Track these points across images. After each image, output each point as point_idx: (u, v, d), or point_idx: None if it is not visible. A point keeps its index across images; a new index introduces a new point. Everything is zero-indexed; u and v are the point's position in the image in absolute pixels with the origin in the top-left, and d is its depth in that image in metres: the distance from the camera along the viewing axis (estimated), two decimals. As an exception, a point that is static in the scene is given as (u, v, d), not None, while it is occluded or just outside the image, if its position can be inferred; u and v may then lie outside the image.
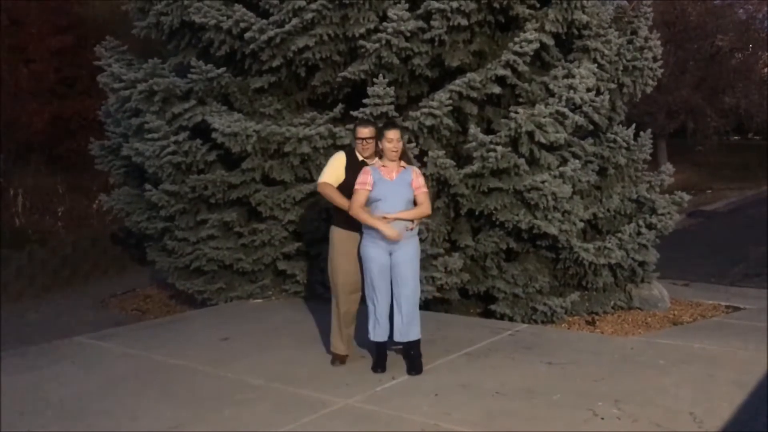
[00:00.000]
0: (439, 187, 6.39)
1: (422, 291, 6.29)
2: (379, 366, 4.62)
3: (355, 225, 4.64)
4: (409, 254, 4.56)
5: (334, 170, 4.81)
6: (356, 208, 4.52)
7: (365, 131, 4.81)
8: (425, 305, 6.47)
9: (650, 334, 6.17)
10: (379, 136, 4.66)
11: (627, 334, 6.25)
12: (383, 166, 4.58)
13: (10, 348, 5.86)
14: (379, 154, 4.65)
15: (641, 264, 6.94)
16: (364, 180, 4.53)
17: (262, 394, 4.24)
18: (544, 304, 6.38)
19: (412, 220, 4.53)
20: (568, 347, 5.09)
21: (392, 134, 4.56)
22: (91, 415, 3.99)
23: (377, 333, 4.61)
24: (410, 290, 4.55)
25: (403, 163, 4.63)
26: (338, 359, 4.84)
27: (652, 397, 4.01)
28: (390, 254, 4.54)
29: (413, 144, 6.16)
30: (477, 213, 6.34)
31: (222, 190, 6.79)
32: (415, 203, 4.58)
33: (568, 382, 4.30)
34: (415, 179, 4.58)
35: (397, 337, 4.59)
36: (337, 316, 4.82)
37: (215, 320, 6.37)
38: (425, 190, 4.64)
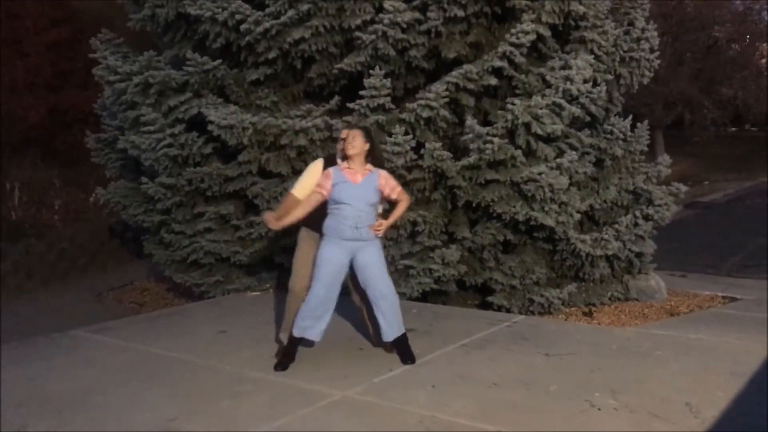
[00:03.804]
0: (436, 179, 6.39)
1: (420, 283, 6.36)
2: (281, 365, 4.50)
3: (320, 227, 4.59)
4: (374, 255, 4.52)
5: (308, 181, 4.73)
6: (299, 208, 4.53)
7: (344, 132, 4.78)
8: (423, 297, 6.49)
9: (647, 324, 6.18)
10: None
11: (624, 325, 6.26)
12: (348, 167, 4.51)
13: (7, 341, 5.86)
14: (343, 155, 4.61)
15: (638, 255, 6.95)
16: (322, 184, 4.50)
17: (260, 386, 4.24)
18: (541, 295, 6.40)
19: (380, 223, 4.48)
20: (565, 338, 5.10)
21: (343, 133, 4.53)
22: (88, 407, 3.99)
23: (310, 330, 4.49)
24: (387, 289, 4.52)
25: (369, 166, 4.55)
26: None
27: (649, 387, 4.01)
28: (353, 257, 4.50)
29: (410, 136, 6.15)
30: (474, 205, 6.34)
31: (218, 182, 6.79)
32: (389, 203, 4.61)
33: (565, 373, 4.30)
34: (384, 183, 4.52)
35: (385, 338, 4.58)
36: (291, 314, 4.73)
37: (213, 313, 6.37)
38: (399, 187, 4.62)
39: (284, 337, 4.78)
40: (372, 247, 4.52)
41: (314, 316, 4.49)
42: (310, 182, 4.66)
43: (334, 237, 4.47)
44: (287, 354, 4.58)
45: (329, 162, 4.79)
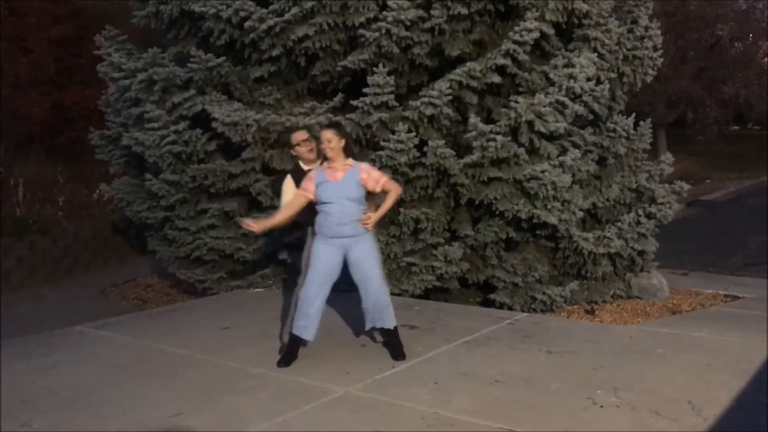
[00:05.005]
0: (438, 176, 6.40)
1: (422, 280, 6.37)
2: (284, 361, 4.54)
3: None
4: (366, 250, 4.54)
5: (286, 195, 4.88)
6: (282, 211, 4.71)
7: (296, 136, 4.99)
8: (425, 294, 6.50)
9: (649, 323, 6.19)
10: (318, 137, 4.66)
11: (626, 322, 6.27)
12: (329, 167, 4.53)
13: (11, 337, 5.88)
14: (321, 156, 4.65)
15: (640, 253, 6.96)
16: (305, 186, 4.57)
17: (263, 382, 4.25)
18: (544, 293, 6.40)
19: (368, 216, 4.49)
20: (567, 336, 5.11)
21: (326, 134, 4.51)
22: (91, 403, 4.01)
23: (305, 330, 4.53)
24: (377, 284, 4.55)
25: (350, 161, 4.55)
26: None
27: (651, 385, 4.02)
28: (345, 253, 4.53)
29: (413, 134, 6.16)
30: (477, 202, 6.35)
31: (222, 179, 6.80)
32: (369, 194, 4.57)
33: (567, 371, 4.31)
34: (367, 177, 4.51)
35: (369, 325, 4.64)
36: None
37: (216, 309, 6.39)
38: (384, 177, 4.60)
39: (286, 336, 4.82)
40: (364, 242, 4.55)
41: (306, 315, 4.52)
42: (288, 195, 4.83)
43: (323, 235, 4.53)
44: (289, 350, 4.60)
45: (296, 173, 4.93)
